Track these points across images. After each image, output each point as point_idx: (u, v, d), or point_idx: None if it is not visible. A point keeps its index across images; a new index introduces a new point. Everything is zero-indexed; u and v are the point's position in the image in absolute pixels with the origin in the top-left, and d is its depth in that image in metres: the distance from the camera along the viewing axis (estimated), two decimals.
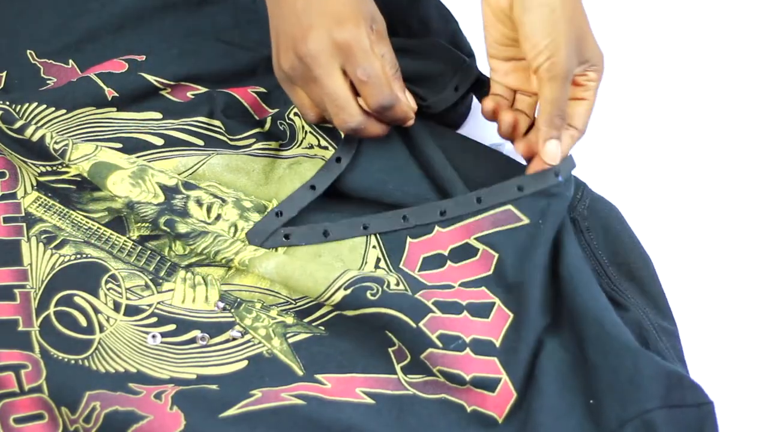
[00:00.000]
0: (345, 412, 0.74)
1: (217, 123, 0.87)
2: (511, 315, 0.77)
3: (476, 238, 0.79)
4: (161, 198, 0.81)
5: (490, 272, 0.78)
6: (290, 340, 0.78)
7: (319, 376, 0.76)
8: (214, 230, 0.81)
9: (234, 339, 0.78)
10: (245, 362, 0.77)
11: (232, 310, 0.80)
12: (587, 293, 0.75)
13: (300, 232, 0.81)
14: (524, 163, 0.82)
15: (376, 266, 0.80)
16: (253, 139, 0.87)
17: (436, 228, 0.80)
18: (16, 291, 0.78)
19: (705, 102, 1.03)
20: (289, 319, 0.79)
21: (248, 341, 0.78)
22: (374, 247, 0.81)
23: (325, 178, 0.82)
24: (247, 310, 0.80)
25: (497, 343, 0.76)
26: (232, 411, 0.73)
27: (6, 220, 0.81)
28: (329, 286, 0.77)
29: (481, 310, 0.77)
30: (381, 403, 0.75)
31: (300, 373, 0.76)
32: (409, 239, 0.81)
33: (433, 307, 0.77)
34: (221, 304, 0.80)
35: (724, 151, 1.00)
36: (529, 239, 0.78)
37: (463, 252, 0.79)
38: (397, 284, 0.78)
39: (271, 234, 0.81)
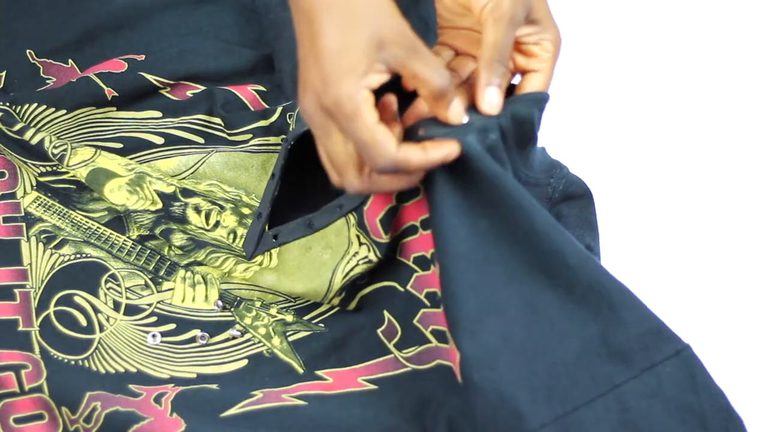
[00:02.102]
0: (347, 410, 0.74)
1: (216, 120, 0.86)
2: (437, 265, 0.71)
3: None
4: (159, 205, 0.81)
5: (428, 214, 0.73)
6: (290, 339, 0.78)
7: (320, 372, 0.76)
8: (213, 236, 0.81)
9: (234, 338, 0.78)
10: (245, 361, 0.77)
11: (232, 309, 0.80)
12: (559, 242, 0.69)
13: (287, 229, 0.80)
14: None
15: (360, 243, 0.78)
16: (251, 135, 0.86)
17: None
18: (16, 291, 0.78)
19: (696, 99, 1.03)
20: (289, 317, 0.79)
21: (248, 340, 0.78)
22: (353, 225, 0.78)
23: (278, 163, 0.81)
24: (247, 308, 0.80)
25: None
26: (233, 410, 0.73)
27: (5, 219, 0.81)
28: (325, 295, 0.77)
29: (434, 260, 0.73)
30: (384, 386, 0.75)
31: (300, 370, 0.76)
32: (364, 207, 0.76)
33: (414, 266, 0.76)
34: (221, 303, 0.80)
35: (714, 146, 1.00)
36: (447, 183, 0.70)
37: (409, 193, 0.74)
38: (376, 256, 0.77)
39: (259, 238, 0.81)
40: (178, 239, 0.80)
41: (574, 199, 0.82)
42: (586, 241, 0.81)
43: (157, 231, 0.81)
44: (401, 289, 0.76)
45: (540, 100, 0.74)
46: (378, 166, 0.66)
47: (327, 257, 0.78)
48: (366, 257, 0.76)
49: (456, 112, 0.68)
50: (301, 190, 0.83)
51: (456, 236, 0.69)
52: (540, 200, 0.79)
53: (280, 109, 0.87)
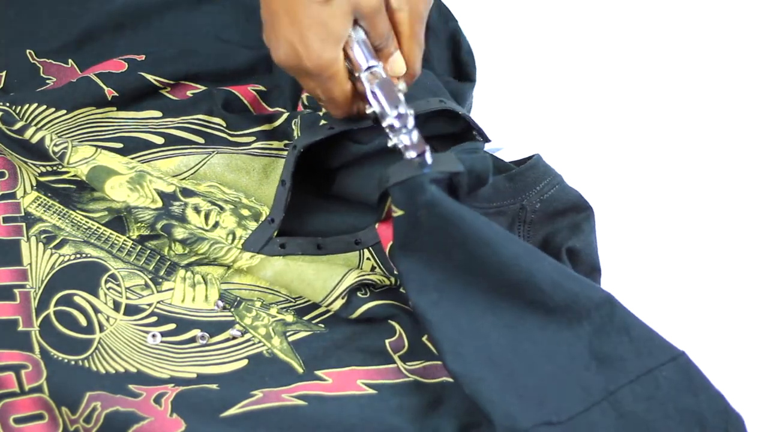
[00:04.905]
0: (346, 410, 0.74)
1: (216, 120, 0.87)
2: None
3: None
4: (159, 203, 0.82)
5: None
6: (290, 339, 0.78)
7: (319, 372, 0.76)
8: (212, 237, 0.81)
9: (234, 338, 0.78)
10: (245, 361, 0.77)
11: (232, 309, 0.80)
12: (526, 270, 0.72)
13: (295, 243, 0.82)
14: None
15: (372, 268, 0.81)
16: (253, 138, 0.87)
17: None
18: (16, 291, 0.78)
19: (694, 102, 1.03)
20: (289, 317, 0.79)
21: (248, 340, 0.78)
22: (368, 258, 0.82)
23: (287, 170, 0.82)
24: (247, 308, 0.80)
25: None
26: (232, 410, 0.73)
27: (5, 219, 0.81)
28: (327, 296, 0.77)
29: None
30: (383, 391, 0.76)
31: (300, 370, 0.77)
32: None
33: None
34: (221, 303, 0.80)
35: (712, 150, 1.00)
36: (410, 229, 0.72)
37: None
38: (395, 284, 0.79)
39: (266, 243, 0.81)
40: (180, 233, 0.81)
41: (563, 215, 0.82)
42: (571, 244, 0.81)
43: (159, 226, 0.81)
44: (411, 309, 0.76)
45: (477, 148, 0.80)
46: (339, 113, 0.78)
47: (341, 260, 0.80)
48: (377, 273, 0.79)
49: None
50: (301, 196, 0.84)
51: (421, 270, 0.72)
52: (511, 226, 0.81)
53: (286, 115, 0.87)
